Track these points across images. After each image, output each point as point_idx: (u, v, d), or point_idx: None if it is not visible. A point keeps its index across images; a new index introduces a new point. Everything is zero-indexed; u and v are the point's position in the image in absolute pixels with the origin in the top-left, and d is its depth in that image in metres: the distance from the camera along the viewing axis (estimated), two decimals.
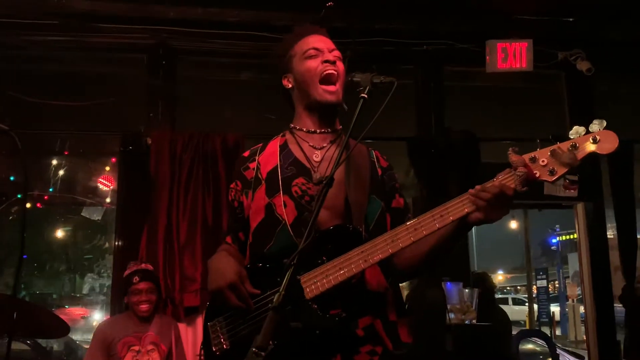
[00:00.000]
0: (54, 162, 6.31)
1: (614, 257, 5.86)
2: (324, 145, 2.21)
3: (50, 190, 6.40)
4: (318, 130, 2.23)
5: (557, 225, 21.84)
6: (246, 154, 2.35)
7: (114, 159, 6.05)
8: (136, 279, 4.25)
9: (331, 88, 2.17)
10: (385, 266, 2.04)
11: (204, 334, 2.21)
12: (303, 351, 1.93)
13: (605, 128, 1.79)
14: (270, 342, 1.69)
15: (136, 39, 5.51)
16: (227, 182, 5.14)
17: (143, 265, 4.38)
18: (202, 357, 2.20)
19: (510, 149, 1.84)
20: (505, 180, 1.84)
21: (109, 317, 5.09)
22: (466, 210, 1.85)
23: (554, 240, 22.73)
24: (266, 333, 1.63)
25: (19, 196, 6.30)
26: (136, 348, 4.12)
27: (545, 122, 6.37)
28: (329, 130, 2.24)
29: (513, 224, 18.54)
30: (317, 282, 1.92)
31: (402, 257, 2.05)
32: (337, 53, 2.23)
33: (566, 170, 1.79)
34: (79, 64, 5.68)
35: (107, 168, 6.32)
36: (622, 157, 5.81)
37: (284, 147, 2.25)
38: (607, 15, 5.61)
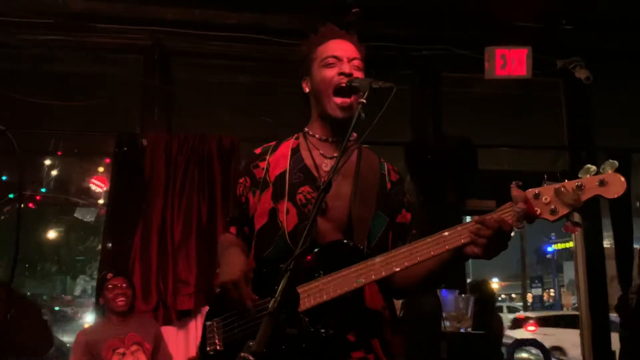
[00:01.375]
0: (47, 162, 6.27)
1: (610, 266, 5.85)
2: (335, 155, 2.15)
3: (43, 190, 6.36)
4: (330, 139, 2.19)
5: (552, 234, 21.88)
6: (258, 150, 2.31)
7: (107, 160, 6.01)
8: (110, 275, 4.34)
9: (344, 102, 2.11)
10: (383, 284, 2.02)
11: (202, 334, 2.21)
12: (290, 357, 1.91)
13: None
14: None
15: (133, 39, 5.49)
16: (222, 185, 5.12)
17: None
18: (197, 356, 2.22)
19: (513, 182, 1.79)
20: (504, 214, 1.79)
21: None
22: (462, 241, 1.81)
23: (549, 249, 22.78)
24: (261, 339, 1.61)
25: (10, 196, 6.26)
26: (121, 350, 4.12)
27: (543, 129, 6.37)
28: (342, 140, 2.13)
29: None
30: (310, 295, 1.91)
31: (398, 277, 2.01)
32: (357, 63, 2.17)
33: (568, 211, 1.74)
34: (75, 64, 5.65)
35: (101, 169, 6.28)
36: (619, 166, 5.78)
37: (295, 151, 2.22)
38: (606, 24, 5.62)
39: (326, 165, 2.16)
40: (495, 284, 35.41)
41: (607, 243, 6.13)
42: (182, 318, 4.93)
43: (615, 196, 1.72)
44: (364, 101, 1.97)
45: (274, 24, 5.39)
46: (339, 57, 2.16)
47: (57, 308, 16.94)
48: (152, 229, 4.99)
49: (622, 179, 1.72)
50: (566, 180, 1.75)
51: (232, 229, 2.29)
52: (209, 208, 5.09)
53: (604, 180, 1.72)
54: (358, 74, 2.14)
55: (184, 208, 5.06)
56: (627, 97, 6.32)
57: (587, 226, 5.84)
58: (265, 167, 2.23)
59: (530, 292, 17.34)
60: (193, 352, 4.88)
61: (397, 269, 1.85)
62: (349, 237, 2.03)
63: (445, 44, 5.75)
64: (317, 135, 2.22)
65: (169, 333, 4.77)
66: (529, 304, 16.56)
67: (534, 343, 7.57)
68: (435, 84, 6.03)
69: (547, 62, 5.83)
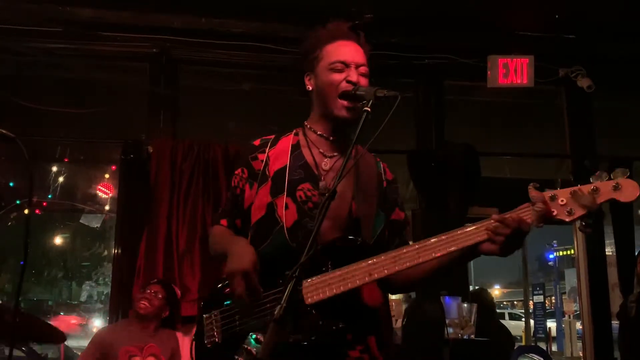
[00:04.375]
0: (54, 168, 6.30)
1: (612, 273, 5.86)
2: (334, 154, 2.19)
3: (50, 197, 6.40)
4: (330, 137, 2.20)
5: (554, 241, 21.81)
6: (257, 142, 2.31)
7: (113, 167, 6.05)
8: (154, 280, 4.40)
9: (350, 104, 2.12)
10: (381, 281, 2.02)
11: (198, 326, 2.21)
12: (294, 354, 1.92)
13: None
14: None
15: (139, 47, 5.53)
16: (227, 192, 5.14)
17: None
18: (192, 350, 2.21)
19: (531, 184, 1.84)
20: (523, 214, 1.84)
21: (109, 323, 5.09)
22: (479, 239, 1.86)
23: (551, 256, 22.70)
24: (267, 346, 1.62)
25: (17, 202, 6.30)
26: (137, 359, 4.12)
27: (545, 138, 6.39)
28: (341, 139, 2.20)
29: None
30: (318, 289, 1.91)
31: (402, 273, 2.00)
32: (363, 69, 2.17)
33: (584, 212, 1.80)
34: (82, 72, 5.69)
35: (107, 176, 6.31)
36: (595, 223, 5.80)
37: (296, 147, 2.22)
38: (608, 32, 5.64)
39: (325, 164, 2.17)
40: (496, 290, 35.36)
41: (609, 250, 6.13)
42: (186, 324, 4.95)
43: (629, 200, 1.78)
44: (369, 109, 1.98)
45: (279, 33, 5.41)
46: (347, 62, 2.15)
47: (62, 313, 16.94)
48: (158, 236, 5.00)
49: (636, 184, 1.78)
50: (579, 185, 1.81)
51: (223, 222, 2.27)
52: (213, 215, 5.12)
53: (619, 185, 1.78)
54: (363, 82, 2.15)
55: (189, 215, 5.08)
56: (629, 106, 6.35)
57: (589, 233, 5.85)
58: (264, 159, 2.23)
59: (532, 299, 17.25)
60: None
61: (410, 265, 1.88)
62: (354, 235, 2.05)
63: (448, 52, 5.78)
64: (318, 132, 2.22)
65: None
66: (530, 310, 16.47)
67: (536, 350, 7.58)
68: (438, 92, 6.04)
69: (549, 71, 5.85)
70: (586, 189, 1.80)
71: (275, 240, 2.08)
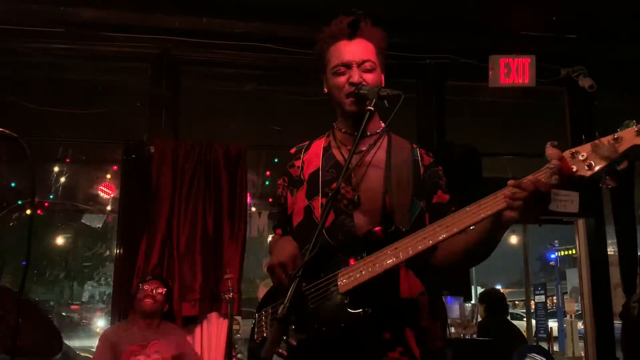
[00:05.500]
0: (56, 169, 6.31)
1: (614, 273, 5.85)
2: (362, 149, 2.22)
3: (51, 197, 6.40)
4: (355, 133, 2.16)
5: (555, 241, 21.78)
6: (292, 150, 2.40)
7: (115, 167, 6.05)
8: (149, 277, 4.47)
9: (356, 100, 2.15)
10: (420, 270, 2.06)
11: (252, 326, 2.27)
12: (328, 345, 1.94)
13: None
14: (281, 351, 1.71)
15: (141, 48, 5.53)
16: (228, 193, 5.15)
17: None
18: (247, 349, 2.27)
19: (549, 143, 1.77)
20: (539, 174, 1.78)
21: (111, 324, 5.10)
22: (497, 207, 1.80)
23: (552, 256, 22.66)
24: (271, 344, 1.63)
25: (19, 203, 6.30)
26: (141, 358, 4.13)
27: (546, 138, 6.36)
28: (366, 134, 2.22)
29: (513, 239, 18.49)
30: (351, 276, 1.93)
31: (439, 254, 2.05)
32: (368, 65, 2.19)
33: (604, 164, 1.69)
34: (83, 72, 5.69)
35: (108, 176, 6.32)
36: (623, 173, 5.81)
37: (327, 149, 2.29)
38: (609, 32, 5.63)
39: (355, 159, 2.19)
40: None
41: (611, 250, 6.13)
42: (187, 325, 4.96)
43: None
44: (372, 109, 2.02)
45: (281, 33, 5.42)
46: (348, 63, 2.18)
47: (64, 314, 16.97)
48: (158, 236, 5.01)
49: None
50: (620, 130, 1.71)
51: (278, 231, 2.38)
52: (214, 215, 5.12)
53: None
54: (369, 77, 2.17)
55: (190, 215, 5.09)
56: (631, 106, 6.33)
57: (591, 235, 5.83)
58: (300, 165, 2.30)
59: (534, 299, 17.22)
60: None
61: (434, 242, 1.86)
62: (388, 226, 2.04)
63: (450, 52, 5.78)
64: (343, 130, 2.28)
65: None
66: (532, 310, 16.44)
67: (538, 350, 7.56)
68: (440, 92, 6.05)
69: (551, 71, 5.85)
70: (607, 139, 1.69)
71: (316, 241, 2.09)
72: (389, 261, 1.89)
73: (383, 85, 2.18)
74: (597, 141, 1.70)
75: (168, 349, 4.25)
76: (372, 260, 1.92)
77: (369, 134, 2.23)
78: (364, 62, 2.19)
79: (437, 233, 1.86)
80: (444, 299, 5.02)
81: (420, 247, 1.87)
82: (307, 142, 2.38)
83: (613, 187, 1.75)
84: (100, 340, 4.31)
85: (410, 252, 1.87)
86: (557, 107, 6.31)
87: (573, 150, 1.73)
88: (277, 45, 5.39)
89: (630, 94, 6.23)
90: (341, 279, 1.95)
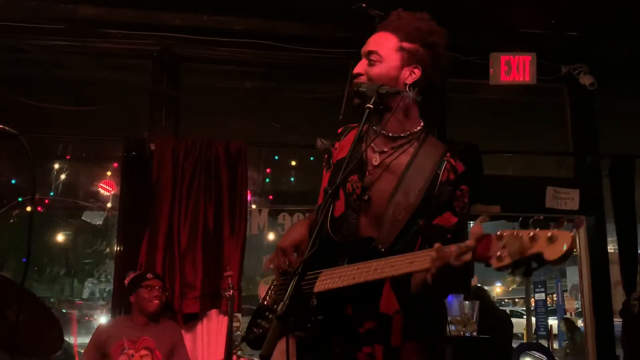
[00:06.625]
0: (56, 166, 6.30)
1: (615, 271, 5.85)
2: (385, 149, 2.14)
3: (51, 194, 6.39)
4: (383, 132, 2.13)
5: None
6: (339, 130, 2.35)
7: (115, 164, 6.05)
8: (150, 275, 4.43)
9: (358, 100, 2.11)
10: (399, 289, 2.01)
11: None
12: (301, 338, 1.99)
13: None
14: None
15: (141, 45, 5.52)
16: (229, 190, 5.16)
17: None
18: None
19: (480, 217, 1.69)
20: (452, 248, 1.68)
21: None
22: (425, 266, 1.73)
23: None
24: (270, 342, 1.64)
25: (19, 200, 6.29)
26: (130, 352, 4.14)
27: (547, 135, 6.38)
28: (391, 135, 2.14)
29: None
30: (328, 280, 1.95)
31: (411, 285, 1.98)
32: (374, 56, 2.11)
33: (510, 262, 1.55)
34: (84, 69, 5.68)
35: (109, 173, 6.31)
36: (624, 171, 5.82)
37: (360, 139, 2.10)
38: (610, 30, 5.63)
39: (375, 159, 2.14)
40: (498, 288, 35.32)
41: (611, 248, 6.13)
42: (188, 322, 4.96)
43: (552, 258, 1.49)
44: (371, 106, 1.99)
45: (282, 30, 5.41)
46: (361, 55, 2.17)
47: (64, 310, 16.95)
48: (159, 233, 5.02)
49: (570, 240, 1.48)
50: (538, 229, 1.54)
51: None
52: (215, 212, 5.13)
53: (554, 237, 1.49)
54: (372, 70, 2.11)
55: (191, 212, 5.09)
56: (632, 103, 6.33)
57: (591, 233, 5.84)
58: (338, 147, 2.28)
59: (533, 297, 17.23)
60: (200, 355, 4.92)
61: (370, 279, 1.83)
62: (380, 235, 2.03)
63: (450, 50, 5.75)
64: (374, 126, 2.18)
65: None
66: (532, 308, 16.47)
67: (539, 348, 7.58)
68: (440, 89, 6.04)
69: (552, 68, 5.84)
70: (526, 234, 1.54)
71: (322, 229, 2.02)
72: (350, 281, 1.88)
73: (410, 81, 2.11)
74: (517, 232, 1.56)
75: (160, 345, 4.26)
76: (344, 272, 1.92)
77: (390, 134, 2.13)
78: (371, 53, 2.14)
79: (382, 270, 1.82)
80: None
81: (368, 277, 1.84)
82: (354, 125, 2.27)
83: (518, 275, 1.63)
84: (93, 334, 4.34)
85: (363, 278, 1.85)
86: (558, 105, 6.30)
87: (500, 233, 1.60)
88: (277, 42, 5.39)
89: (631, 92, 6.23)
90: (321, 278, 1.97)
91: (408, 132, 2.15)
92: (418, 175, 2.07)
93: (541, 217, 1.58)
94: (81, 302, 18.18)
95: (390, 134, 2.14)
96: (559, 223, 1.52)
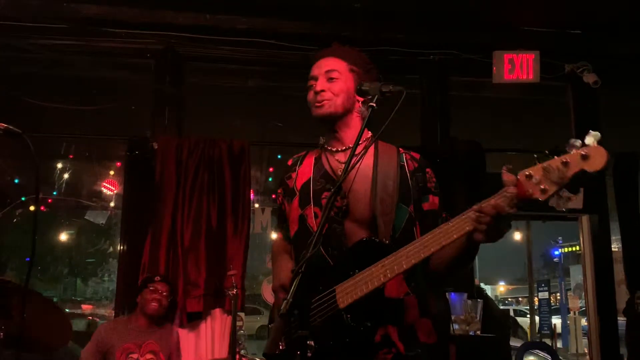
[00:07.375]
0: (59, 165, 6.32)
1: (618, 270, 5.84)
2: (345, 147, 2.30)
3: (55, 193, 6.41)
4: (340, 149, 2.31)
5: (559, 237, 21.78)
6: (290, 162, 2.48)
7: (118, 163, 6.06)
8: (157, 278, 4.46)
9: (316, 104, 2.28)
10: (408, 272, 2.07)
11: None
12: (333, 357, 2.00)
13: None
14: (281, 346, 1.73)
15: (144, 44, 5.53)
16: (232, 188, 5.16)
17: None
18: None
19: (504, 167, 1.82)
20: (500, 199, 1.83)
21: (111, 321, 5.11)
22: (467, 229, 1.87)
23: (556, 252, 22.66)
24: (273, 339, 1.66)
25: (23, 199, 6.31)
26: (134, 356, 4.14)
27: (551, 133, 6.37)
28: (347, 132, 2.31)
29: (516, 235, 18.51)
30: (347, 293, 1.99)
31: (431, 263, 2.11)
32: (333, 74, 2.29)
33: (556, 188, 1.72)
34: (87, 69, 5.70)
35: (112, 172, 6.33)
36: (627, 169, 5.81)
37: (317, 159, 2.35)
38: (613, 28, 5.62)
39: (340, 168, 2.25)
40: (501, 287, 35.34)
41: (615, 247, 6.12)
42: (192, 320, 4.97)
43: (598, 169, 1.68)
44: (374, 105, 2.06)
45: (284, 29, 5.43)
46: (316, 76, 2.31)
47: (67, 310, 17.01)
48: (162, 232, 5.01)
49: (604, 152, 1.69)
50: (555, 157, 1.74)
51: (279, 235, 2.51)
52: (218, 211, 5.12)
53: (587, 155, 1.69)
54: (334, 86, 2.27)
55: (194, 211, 5.09)
56: (635, 101, 6.32)
57: (595, 232, 5.83)
58: (295, 177, 2.37)
59: (537, 296, 17.23)
60: (203, 353, 4.92)
61: (414, 262, 1.91)
62: (374, 234, 2.11)
63: (454, 48, 5.77)
64: (324, 136, 2.37)
65: (179, 335, 4.80)
66: (535, 307, 16.47)
67: (542, 346, 7.56)
68: (444, 88, 6.03)
69: (555, 67, 5.83)
70: (555, 163, 1.72)
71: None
72: (379, 280, 1.95)
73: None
74: (546, 164, 1.73)
75: (163, 349, 4.27)
76: (364, 278, 1.98)
77: (349, 146, 2.27)
78: (330, 71, 2.30)
79: (419, 252, 1.91)
80: (447, 296, 5.02)
81: (404, 265, 1.93)
82: (303, 153, 2.45)
83: (564, 209, 1.76)
84: (93, 335, 4.33)
85: (396, 270, 1.94)
86: (561, 103, 6.29)
87: (527, 172, 1.76)
88: (280, 41, 5.39)
89: (635, 90, 6.22)
90: (340, 294, 2.00)
91: (364, 140, 2.27)
92: (387, 169, 2.24)
93: (546, 152, 1.76)
94: (90, 306, 18.20)
95: (349, 146, 2.28)
96: (571, 144, 1.58)
